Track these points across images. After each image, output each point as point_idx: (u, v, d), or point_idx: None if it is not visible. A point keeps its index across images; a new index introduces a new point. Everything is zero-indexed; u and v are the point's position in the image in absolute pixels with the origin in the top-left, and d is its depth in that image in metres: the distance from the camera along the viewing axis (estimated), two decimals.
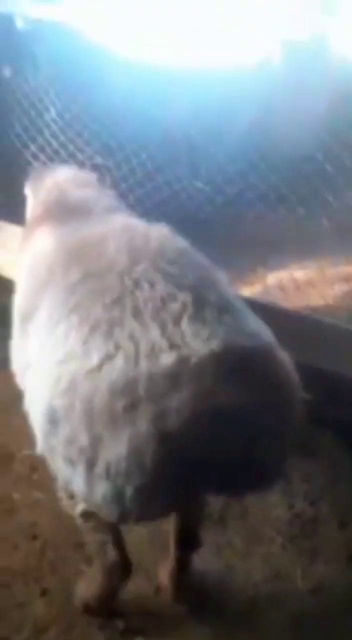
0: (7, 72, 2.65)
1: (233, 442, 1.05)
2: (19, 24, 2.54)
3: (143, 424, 1.03)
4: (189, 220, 2.45)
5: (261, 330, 1.23)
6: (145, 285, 1.20)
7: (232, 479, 1.12)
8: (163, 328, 1.11)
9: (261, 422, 1.08)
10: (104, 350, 1.12)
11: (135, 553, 1.58)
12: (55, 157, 2.68)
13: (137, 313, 1.15)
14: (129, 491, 1.07)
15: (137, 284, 1.21)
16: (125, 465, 1.05)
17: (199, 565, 1.70)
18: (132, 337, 1.11)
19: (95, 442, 1.08)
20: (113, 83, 2.35)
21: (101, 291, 1.22)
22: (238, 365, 1.08)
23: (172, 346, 1.08)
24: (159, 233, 1.40)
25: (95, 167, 2.61)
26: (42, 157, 2.72)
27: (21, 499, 1.97)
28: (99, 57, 2.32)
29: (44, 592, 1.70)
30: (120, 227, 1.44)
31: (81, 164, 2.64)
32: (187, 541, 1.54)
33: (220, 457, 1.05)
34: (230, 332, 1.12)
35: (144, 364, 1.07)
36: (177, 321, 1.12)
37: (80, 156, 2.61)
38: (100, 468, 1.08)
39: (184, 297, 1.16)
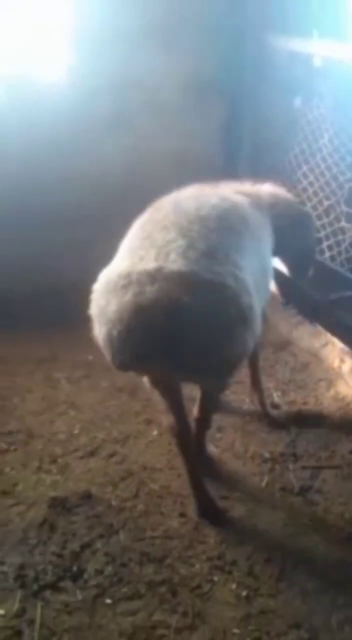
0: (298, 102, 3.07)
1: (172, 327, 1.70)
2: (316, 62, 2.92)
3: (128, 296, 1.75)
4: None
5: (229, 274, 1.79)
6: (164, 232, 1.89)
7: (169, 357, 1.76)
8: (158, 255, 1.81)
9: (192, 326, 1.70)
10: (125, 261, 1.89)
11: None
12: (321, 178, 2.97)
13: (151, 246, 1.86)
14: (114, 333, 1.76)
15: (160, 229, 1.91)
16: (114, 317, 1.76)
17: None
18: (140, 256, 1.85)
19: (106, 303, 1.81)
20: None
21: (142, 231, 1.97)
22: (192, 285, 1.72)
23: (157, 262, 1.79)
24: (211, 200, 2.07)
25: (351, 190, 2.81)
26: (310, 177, 3.05)
27: None
28: None
29: (182, 515, 2.14)
30: (195, 192, 2.18)
31: (341, 186, 2.87)
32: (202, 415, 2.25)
33: (163, 335, 1.71)
34: (198, 267, 1.77)
35: (138, 266, 1.80)
36: (168, 254, 1.80)
37: (341, 178, 2.84)
38: (104, 318, 1.81)
39: (181, 242, 1.83)
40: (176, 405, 2.12)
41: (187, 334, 1.71)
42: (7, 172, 3.17)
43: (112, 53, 3.11)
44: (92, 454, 2.46)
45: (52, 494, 2.24)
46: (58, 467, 2.40)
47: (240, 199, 2.28)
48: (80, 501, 2.20)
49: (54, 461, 2.44)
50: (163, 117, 3.38)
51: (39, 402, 2.81)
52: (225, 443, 2.56)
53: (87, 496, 2.22)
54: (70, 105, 3.13)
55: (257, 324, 1.92)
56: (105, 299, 1.82)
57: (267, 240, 2.32)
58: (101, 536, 2.05)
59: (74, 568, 1.92)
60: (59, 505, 2.19)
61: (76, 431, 2.61)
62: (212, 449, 2.45)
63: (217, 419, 2.71)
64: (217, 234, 1.91)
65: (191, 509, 2.14)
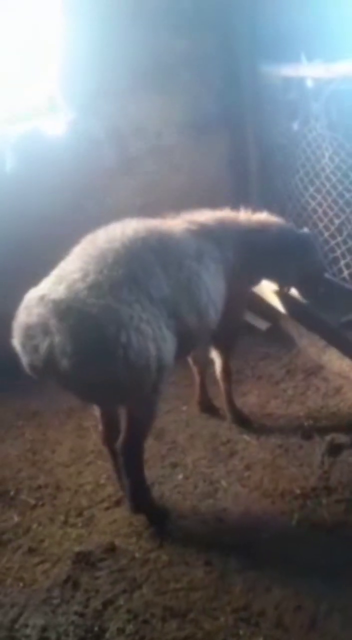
0: (295, 125, 3.03)
1: (48, 347, 1.92)
2: (309, 83, 2.89)
3: (22, 316, 1.99)
4: None
5: (100, 306, 1.94)
6: (73, 262, 2.11)
7: (53, 373, 1.97)
8: (54, 283, 2.02)
9: (59, 348, 1.90)
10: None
11: None
12: (328, 196, 2.90)
13: (58, 274, 2.08)
14: (13, 344, 2.01)
15: (73, 259, 2.13)
16: (14, 331, 2.02)
17: None
18: (46, 282, 2.07)
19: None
20: None
21: (65, 259, 2.17)
22: (61, 312, 1.92)
23: (49, 289, 2.00)
24: (126, 232, 2.20)
25: None
26: (318, 197, 2.98)
27: None
28: None
29: (207, 563, 2.08)
30: (122, 225, 2.27)
31: (348, 203, 2.79)
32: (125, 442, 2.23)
33: (43, 353, 1.93)
34: (74, 297, 1.95)
35: (37, 291, 2.03)
36: (61, 283, 2.01)
37: (347, 195, 2.76)
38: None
39: (77, 275, 2.01)
40: (106, 416, 2.35)
41: (57, 356, 1.90)
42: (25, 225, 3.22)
43: (106, 104, 3.18)
44: (117, 503, 2.43)
45: (77, 549, 2.22)
46: (83, 520, 2.38)
47: (177, 230, 2.40)
48: (104, 555, 2.17)
49: (80, 514, 2.42)
50: (168, 158, 3.42)
51: (68, 453, 2.82)
52: (253, 482, 2.46)
53: (111, 549, 2.18)
54: (76, 157, 3.18)
55: (143, 349, 2.00)
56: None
57: (210, 265, 2.42)
58: (124, 591, 1.99)
59: (96, 628, 1.87)
60: (83, 560, 2.16)
61: (102, 481, 2.59)
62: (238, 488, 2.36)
63: (245, 456, 2.63)
64: (111, 268, 2.06)
65: (215, 557, 2.05)
